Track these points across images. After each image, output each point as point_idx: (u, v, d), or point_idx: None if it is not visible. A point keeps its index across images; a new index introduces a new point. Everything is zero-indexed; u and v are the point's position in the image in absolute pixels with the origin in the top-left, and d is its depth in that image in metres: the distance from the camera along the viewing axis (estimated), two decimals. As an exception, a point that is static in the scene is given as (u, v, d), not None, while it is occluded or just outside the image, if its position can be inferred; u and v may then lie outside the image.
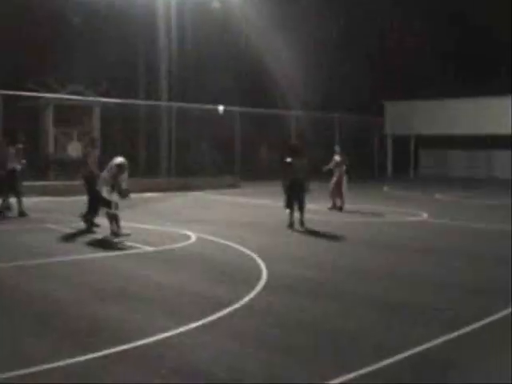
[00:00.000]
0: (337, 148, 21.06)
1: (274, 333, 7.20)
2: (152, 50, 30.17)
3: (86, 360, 6.20)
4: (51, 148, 28.56)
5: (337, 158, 20.64)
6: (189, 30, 31.38)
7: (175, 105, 29.19)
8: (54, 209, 19.78)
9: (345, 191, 20.11)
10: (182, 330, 7.16)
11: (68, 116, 28.32)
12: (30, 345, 6.70)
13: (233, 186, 28.56)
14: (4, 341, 6.83)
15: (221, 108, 30.17)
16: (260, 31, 32.69)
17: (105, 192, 13.78)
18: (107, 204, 13.79)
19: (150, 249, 12.57)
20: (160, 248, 12.72)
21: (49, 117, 28.49)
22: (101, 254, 11.98)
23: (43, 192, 23.37)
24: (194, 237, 14.01)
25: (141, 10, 29.29)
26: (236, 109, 30.86)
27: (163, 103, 29.46)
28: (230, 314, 7.84)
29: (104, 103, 27.72)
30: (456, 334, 7.12)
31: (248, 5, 31.91)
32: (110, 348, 6.51)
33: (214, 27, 32.05)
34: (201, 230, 14.81)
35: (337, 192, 20.15)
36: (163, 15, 29.28)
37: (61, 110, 28.34)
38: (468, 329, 7.31)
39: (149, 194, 23.74)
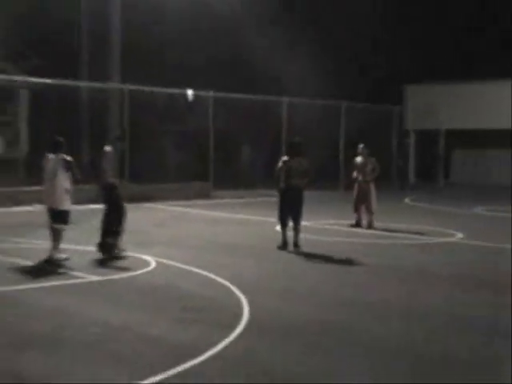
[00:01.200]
0: (361, 147, 21.05)
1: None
2: (99, 17, 30.06)
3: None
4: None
5: (358, 159, 20.79)
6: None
7: (127, 87, 28.66)
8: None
9: (374, 203, 20.31)
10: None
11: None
12: None
13: (204, 195, 28.47)
14: None
15: (190, 93, 29.94)
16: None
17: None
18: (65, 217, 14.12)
19: (95, 278, 12.52)
20: (108, 277, 12.65)
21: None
22: (28, 286, 11.85)
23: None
24: (153, 262, 13.96)
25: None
26: (210, 94, 30.50)
27: (112, 85, 29.23)
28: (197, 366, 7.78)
29: (33, 84, 27.40)
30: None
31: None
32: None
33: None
34: (162, 254, 14.82)
35: (360, 204, 20.38)
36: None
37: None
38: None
39: (95, 206, 23.62)
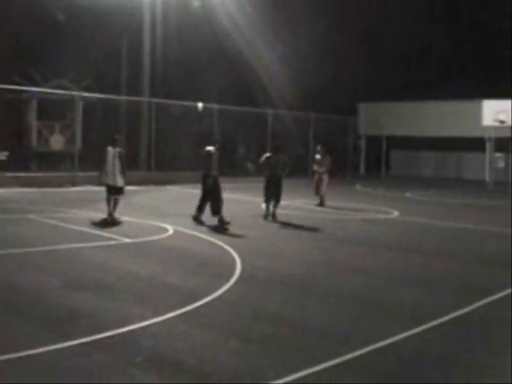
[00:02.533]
0: (318, 147, 21.42)
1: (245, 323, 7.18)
2: (136, 47, 29.86)
3: (66, 347, 6.12)
4: (34, 141, 28.24)
5: (317, 156, 21.09)
6: (173, 27, 30.99)
7: (155, 101, 28.87)
8: (35, 200, 19.49)
9: (324, 190, 20.37)
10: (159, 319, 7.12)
11: (51, 109, 27.99)
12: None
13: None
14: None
15: (200, 105, 29.95)
16: (244, 30, 32.63)
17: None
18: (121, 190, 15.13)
19: (127, 240, 12.48)
20: (138, 240, 12.62)
21: (32, 110, 28.19)
22: (79, 245, 11.82)
23: (26, 183, 23.20)
24: (171, 229, 13.93)
25: (126, 4, 29.01)
26: (215, 106, 30.63)
27: (144, 99, 29.18)
28: (204, 306, 7.80)
29: (86, 98, 27.37)
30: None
31: (233, 3, 31.90)
32: (89, 336, 6.43)
33: (198, 25, 31.83)
34: (178, 224, 14.72)
35: (317, 190, 20.54)
36: (148, 11, 29.08)
37: (44, 103, 28.01)
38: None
39: (129, 187, 23.51)
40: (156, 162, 28.63)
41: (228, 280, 9.13)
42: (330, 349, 6.37)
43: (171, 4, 30.37)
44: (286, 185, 17.30)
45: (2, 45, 28.24)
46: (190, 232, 13.74)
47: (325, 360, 5.96)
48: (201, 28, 31.90)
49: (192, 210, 15.59)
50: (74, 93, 26.99)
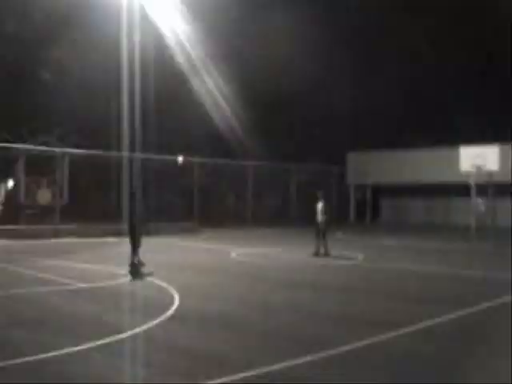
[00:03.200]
0: (319, 194, 20.87)
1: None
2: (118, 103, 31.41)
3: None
4: (22, 195, 29.74)
5: (319, 205, 20.74)
6: (151, 84, 32.52)
7: (137, 156, 30.35)
8: (14, 251, 20.83)
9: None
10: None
11: (38, 165, 29.55)
12: None
13: (190, 230, 29.61)
14: None
15: (180, 158, 31.37)
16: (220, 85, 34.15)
17: None
18: None
19: (83, 285, 13.69)
20: (92, 285, 13.83)
21: (21, 166, 29.74)
22: (37, 289, 13.04)
23: (14, 235, 24.65)
24: (129, 276, 15.11)
25: (108, 64, 30.61)
26: (195, 159, 32.03)
27: (124, 154, 30.53)
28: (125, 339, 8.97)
29: (72, 154, 28.94)
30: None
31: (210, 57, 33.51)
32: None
33: (176, 80, 33.33)
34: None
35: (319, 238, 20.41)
36: (127, 69, 30.57)
37: (32, 159, 29.60)
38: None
39: (108, 239, 24.87)
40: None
41: (156, 318, 10.27)
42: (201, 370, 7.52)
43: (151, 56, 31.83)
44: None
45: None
46: (148, 278, 14.84)
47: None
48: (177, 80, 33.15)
49: (160, 258, 16.53)
50: (59, 149, 28.51)
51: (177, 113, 34.12)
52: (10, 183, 30.23)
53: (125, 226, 27.80)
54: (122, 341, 8.81)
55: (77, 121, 30.55)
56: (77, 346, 8.37)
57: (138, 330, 9.42)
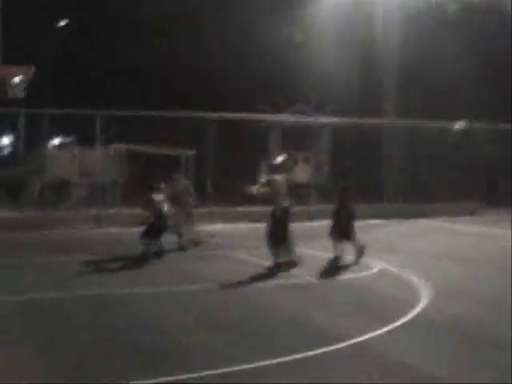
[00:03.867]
0: None
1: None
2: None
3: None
4: (277, 172, 29.51)
5: None
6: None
7: (400, 123, 28.26)
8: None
9: None
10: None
11: (296, 137, 29.07)
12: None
13: (470, 212, 27.06)
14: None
15: (460, 124, 28.41)
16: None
17: None
18: None
19: (315, 280, 12.54)
20: (326, 279, 12.60)
21: (277, 138, 29.50)
22: (259, 284, 12.18)
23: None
24: (376, 268, 13.65)
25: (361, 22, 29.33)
26: (479, 125, 28.77)
27: (385, 121, 28.78)
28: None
29: (333, 124, 27.96)
30: None
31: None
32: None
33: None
34: (390, 261, 14.36)
35: None
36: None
37: (288, 132, 29.19)
38: None
39: (371, 221, 23.50)
40: (405, 192, 28.04)
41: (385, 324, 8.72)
42: None
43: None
44: None
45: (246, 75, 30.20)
46: (397, 272, 13.27)
47: None
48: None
49: (424, 246, 15.05)
50: (319, 119, 27.72)
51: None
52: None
53: (387, 207, 26.63)
54: (332, 353, 7.56)
55: (337, 89, 29.56)
56: (277, 357, 7.29)
57: (359, 338, 8.03)
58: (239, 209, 23.35)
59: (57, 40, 37.27)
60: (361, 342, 8.01)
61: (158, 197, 15.30)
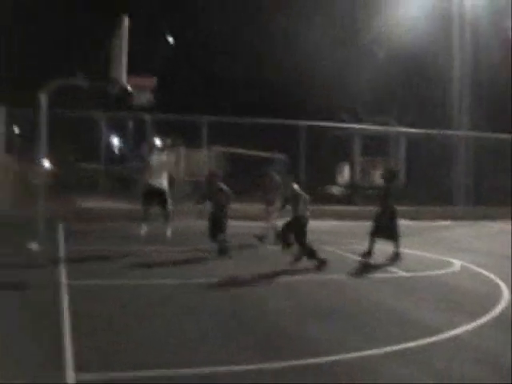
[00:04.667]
0: None
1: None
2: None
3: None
4: (357, 175, 29.39)
5: None
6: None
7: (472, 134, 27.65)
8: (344, 232, 20.23)
9: None
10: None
11: (374, 145, 28.89)
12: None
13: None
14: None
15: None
16: None
17: None
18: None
19: (404, 274, 12.35)
20: (414, 274, 12.41)
21: (357, 145, 29.40)
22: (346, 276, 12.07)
23: (347, 216, 24.15)
24: (457, 265, 13.39)
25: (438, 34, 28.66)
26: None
27: (459, 133, 28.17)
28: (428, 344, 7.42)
29: (408, 133, 27.66)
30: None
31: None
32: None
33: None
34: (466, 260, 14.07)
35: None
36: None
37: (368, 139, 29.05)
38: None
39: (443, 222, 23.11)
40: (474, 195, 27.53)
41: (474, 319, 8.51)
42: None
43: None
44: None
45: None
46: (479, 270, 12.98)
47: None
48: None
49: (496, 245, 14.61)
50: (395, 129, 27.46)
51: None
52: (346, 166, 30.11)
53: (458, 209, 26.09)
54: (418, 349, 7.22)
55: (414, 99, 29.18)
56: (369, 349, 7.05)
57: (444, 335, 7.75)
58: (325, 207, 23.33)
59: (174, 51, 38.16)
60: (459, 334, 7.85)
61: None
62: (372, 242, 13.96)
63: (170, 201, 15.64)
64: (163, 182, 15.53)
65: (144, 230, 15.39)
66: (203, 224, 14.83)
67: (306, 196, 12.98)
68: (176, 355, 6.70)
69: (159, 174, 15.46)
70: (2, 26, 34.37)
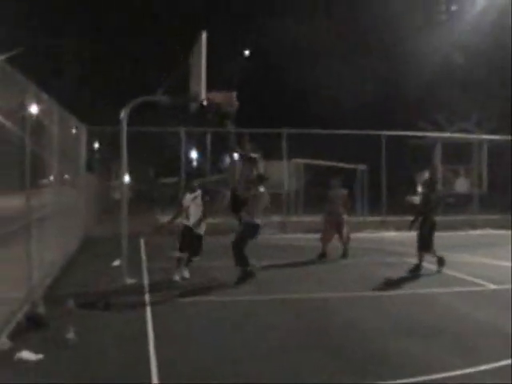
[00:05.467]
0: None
1: None
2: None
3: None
4: (439, 184, 28.68)
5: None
6: None
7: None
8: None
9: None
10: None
11: (456, 153, 28.18)
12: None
13: None
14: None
15: None
16: None
17: None
18: None
19: (494, 287, 11.88)
20: (505, 287, 11.90)
21: (438, 154, 28.74)
22: (438, 290, 11.66)
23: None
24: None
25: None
26: None
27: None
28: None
29: (491, 140, 26.84)
30: None
31: None
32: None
33: None
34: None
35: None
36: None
37: (449, 147, 28.37)
38: None
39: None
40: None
41: None
42: None
43: None
44: None
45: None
46: None
47: None
48: None
49: None
50: (475, 136, 26.71)
51: None
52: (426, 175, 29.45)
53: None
54: None
55: (496, 105, 28.32)
56: (469, 366, 6.74)
57: None
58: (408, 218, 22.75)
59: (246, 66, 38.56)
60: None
61: None
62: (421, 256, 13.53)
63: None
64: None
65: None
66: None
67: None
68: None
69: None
70: (83, 45, 35.40)
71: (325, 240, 15.68)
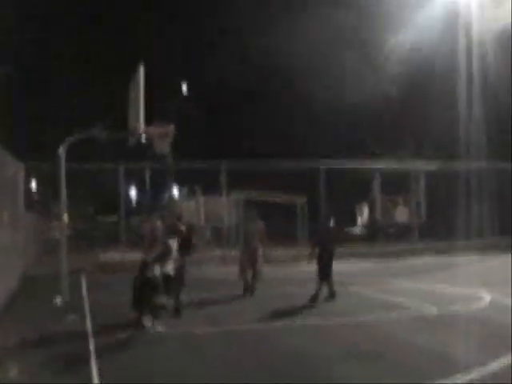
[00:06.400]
0: None
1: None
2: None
3: None
4: (379, 214, 29.23)
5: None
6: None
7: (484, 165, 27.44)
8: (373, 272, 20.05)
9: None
10: None
11: (394, 183, 28.77)
12: None
13: None
14: None
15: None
16: None
17: None
18: None
19: (435, 311, 12.16)
20: (445, 311, 12.18)
21: (376, 185, 29.27)
22: (380, 316, 11.87)
23: (371, 256, 23.96)
24: (487, 299, 13.16)
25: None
26: None
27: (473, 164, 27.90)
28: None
29: (427, 170, 27.58)
30: None
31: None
32: None
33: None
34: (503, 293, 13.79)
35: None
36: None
37: (386, 176, 28.90)
38: None
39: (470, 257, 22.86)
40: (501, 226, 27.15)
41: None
42: None
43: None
44: None
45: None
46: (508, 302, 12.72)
47: None
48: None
49: None
50: (412, 165, 27.38)
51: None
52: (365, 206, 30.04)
53: (488, 241, 25.61)
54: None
55: (429, 133, 29.09)
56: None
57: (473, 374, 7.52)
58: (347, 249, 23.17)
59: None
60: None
61: None
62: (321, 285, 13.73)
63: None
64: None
65: None
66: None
67: None
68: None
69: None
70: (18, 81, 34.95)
71: (241, 274, 15.18)
